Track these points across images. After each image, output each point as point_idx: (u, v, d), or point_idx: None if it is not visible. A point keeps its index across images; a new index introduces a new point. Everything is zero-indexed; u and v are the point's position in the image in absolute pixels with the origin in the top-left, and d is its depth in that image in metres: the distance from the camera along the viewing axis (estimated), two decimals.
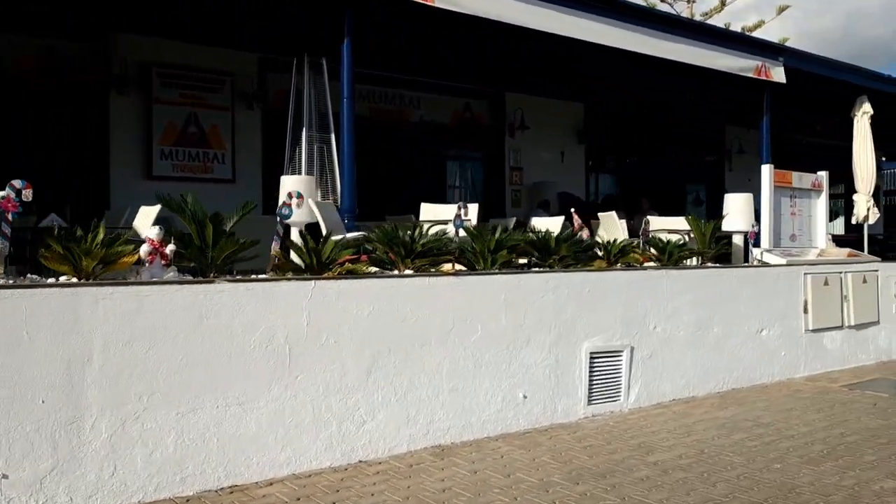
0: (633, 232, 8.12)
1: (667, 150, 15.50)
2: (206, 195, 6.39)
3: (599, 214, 8.31)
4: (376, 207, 9.72)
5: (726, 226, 8.06)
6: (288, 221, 6.34)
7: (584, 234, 6.07)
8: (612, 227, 7.77)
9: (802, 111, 14.48)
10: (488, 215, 12.26)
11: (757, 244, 7.85)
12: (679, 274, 6.14)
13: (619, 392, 5.70)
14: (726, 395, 6.32)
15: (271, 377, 4.08)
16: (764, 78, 9.56)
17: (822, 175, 8.68)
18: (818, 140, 16.13)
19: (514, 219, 9.41)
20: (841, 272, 7.62)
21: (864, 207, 10.36)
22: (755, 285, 6.77)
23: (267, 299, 4.07)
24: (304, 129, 7.06)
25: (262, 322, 4.05)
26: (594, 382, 5.53)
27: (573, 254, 5.60)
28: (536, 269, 5.52)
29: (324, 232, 5.71)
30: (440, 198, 12.77)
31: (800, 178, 8.35)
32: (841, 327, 7.56)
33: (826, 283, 7.37)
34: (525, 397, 5.13)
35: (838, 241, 12.76)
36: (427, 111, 12.22)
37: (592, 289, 5.53)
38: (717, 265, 6.77)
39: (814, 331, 7.23)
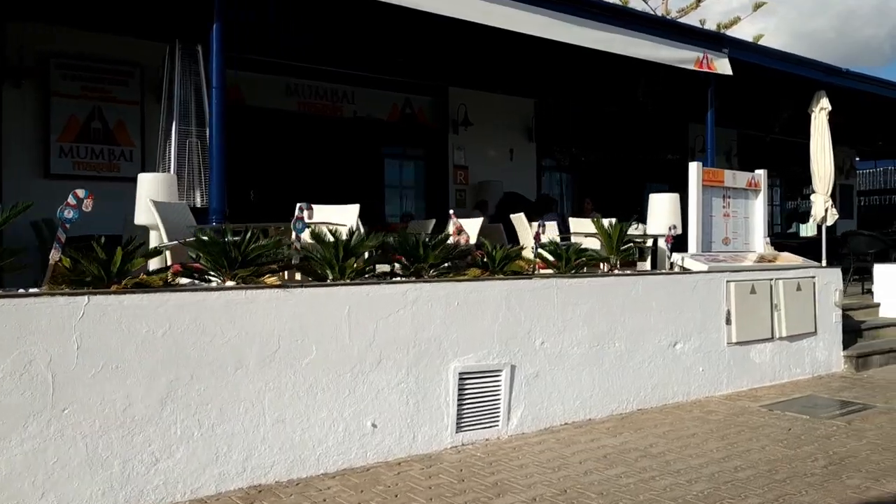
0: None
1: (626, 148, 14.90)
2: (111, 195, 5.79)
3: (511, 217, 7.68)
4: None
5: (651, 228, 7.46)
6: (143, 225, 5.74)
7: (463, 238, 5.43)
8: (524, 231, 7.14)
9: (763, 108, 13.93)
10: (431, 215, 11.67)
11: (683, 248, 7.24)
12: (573, 283, 5.50)
13: (496, 417, 5.07)
14: (628, 417, 5.68)
15: (28, 411, 3.43)
16: (706, 70, 8.98)
17: (760, 174, 8.05)
18: (789, 139, 15.57)
19: (433, 221, 8.80)
20: (771, 279, 6.99)
21: (822, 208, 9.79)
22: (668, 294, 6.14)
23: (22, 319, 3.43)
24: (174, 123, 6.42)
25: (15, 346, 3.40)
26: (465, 407, 4.90)
27: (442, 261, 4.95)
28: (399, 278, 4.88)
29: (164, 236, 5.09)
30: (377, 197, 12.18)
31: (733, 177, 7.72)
32: (771, 339, 6.93)
33: (753, 291, 6.74)
34: (375, 426, 4.49)
35: (803, 244, 12.17)
36: (363, 106, 11.59)
37: (463, 301, 4.89)
38: (626, 272, 6.15)
39: (738, 343, 6.61)
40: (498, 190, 12.29)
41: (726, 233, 7.64)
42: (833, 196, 9.97)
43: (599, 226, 6.14)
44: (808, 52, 10.23)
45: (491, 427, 5.04)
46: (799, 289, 7.19)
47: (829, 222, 9.79)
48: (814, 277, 7.41)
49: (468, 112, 12.22)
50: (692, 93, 10.53)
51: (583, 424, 5.44)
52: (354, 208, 5.92)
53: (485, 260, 5.34)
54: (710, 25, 21.52)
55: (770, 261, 7.48)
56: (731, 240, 7.68)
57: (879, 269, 9.36)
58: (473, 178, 12.64)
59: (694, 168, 7.39)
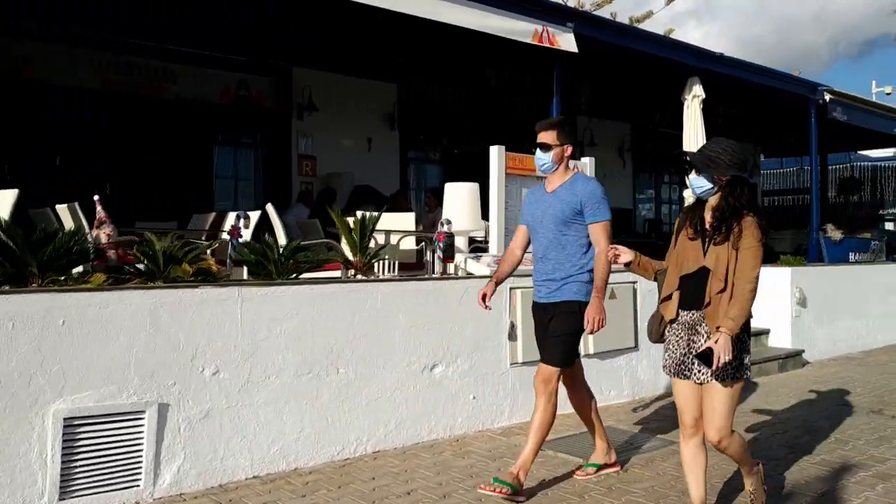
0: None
1: (506, 140, 13.77)
2: None
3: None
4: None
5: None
6: None
7: (104, 233, 4.14)
8: (313, 230, 5.88)
9: (648, 99, 12.97)
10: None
11: (478, 250, 6.08)
12: (269, 292, 4.24)
13: (136, 474, 3.77)
14: (352, 464, 4.44)
15: None
16: (547, 45, 7.87)
17: (586, 162, 6.93)
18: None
19: (214, 214, 7.52)
20: None
21: None
22: (425, 305, 4.93)
23: None
24: None
25: None
26: (77, 463, 3.59)
27: (51, 263, 3.65)
28: None
29: None
30: (205, 190, 10.79)
31: None
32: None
33: None
34: None
35: None
36: (187, 87, 10.17)
37: (77, 319, 3.59)
38: (354, 279, 4.92)
39: (526, 363, 5.45)
40: (349, 182, 11.04)
41: None
42: None
43: (340, 220, 4.90)
44: (752, 57, 9.24)
45: (127, 488, 3.75)
46: (613, 296, 6.06)
47: None
48: (635, 283, 6.30)
49: (314, 96, 10.92)
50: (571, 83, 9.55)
51: (279, 477, 4.18)
52: (9, 195, 4.57)
53: (143, 264, 4.05)
54: (623, 18, 20.49)
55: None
56: None
57: None
58: (323, 168, 11.35)
59: (495, 153, 6.24)
